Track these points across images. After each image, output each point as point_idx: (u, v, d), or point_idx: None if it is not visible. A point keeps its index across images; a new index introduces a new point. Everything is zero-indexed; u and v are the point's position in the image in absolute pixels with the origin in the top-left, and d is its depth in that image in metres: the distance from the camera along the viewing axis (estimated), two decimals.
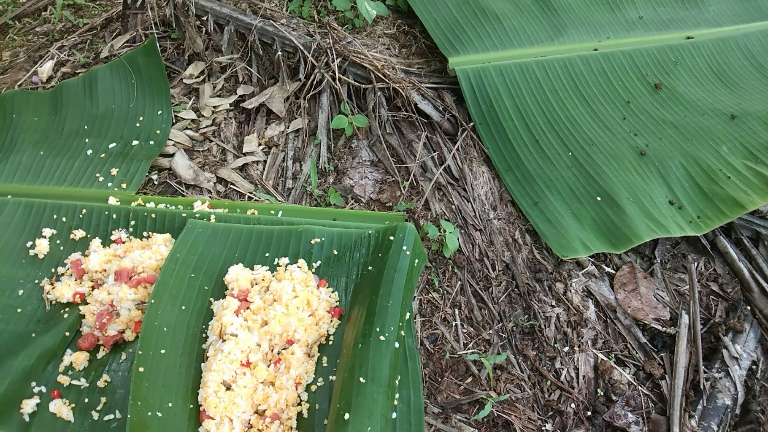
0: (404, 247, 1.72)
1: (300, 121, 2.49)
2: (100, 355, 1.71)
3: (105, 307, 1.77)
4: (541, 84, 2.49)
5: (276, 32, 2.48)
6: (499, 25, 2.62)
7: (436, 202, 2.23)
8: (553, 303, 2.06)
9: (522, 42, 2.60)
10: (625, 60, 2.63)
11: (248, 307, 1.67)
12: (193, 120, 2.53)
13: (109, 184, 2.21)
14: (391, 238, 1.76)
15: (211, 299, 1.73)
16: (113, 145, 2.35)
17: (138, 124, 2.43)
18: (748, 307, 2.09)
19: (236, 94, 2.59)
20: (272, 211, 2.10)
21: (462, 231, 2.17)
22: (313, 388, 1.57)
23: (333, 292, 1.76)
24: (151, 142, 2.36)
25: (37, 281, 1.91)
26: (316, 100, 2.51)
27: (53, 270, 1.93)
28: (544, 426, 1.83)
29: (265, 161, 2.40)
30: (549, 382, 1.91)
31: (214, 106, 2.57)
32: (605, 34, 2.71)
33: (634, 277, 2.14)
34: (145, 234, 2.00)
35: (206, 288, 1.76)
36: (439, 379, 1.88)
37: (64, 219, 2.06)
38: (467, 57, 2.50)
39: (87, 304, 1.81)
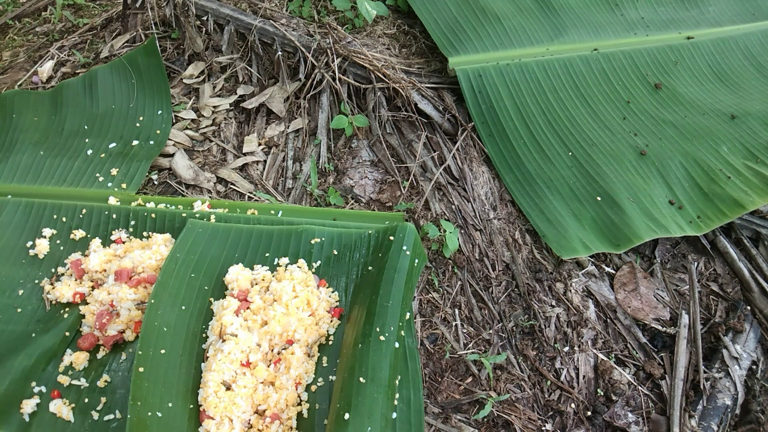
0: (404, 247, 1.72)
1: (300, 121, 2.49)
2: (100, 355, 1.71)
3: (105, 307, 1.77)
4: (541, 84, 2.49)
5: (276, 32, 2.48)
6: (499, 25, 2.62)
7: (436, 202, 2.23)
8: (553, 303, 2.06)
9: (522, 42, 2.60)
10: (625, 60, 2.63)
11: (248, 307, 1.67)
12: (193, 120, 2.53)
13: (109, 184, 2.21)
14: (391, 238, 1.76)
15: (211, 299, 1.73)
16: (113, 145, 2.35)
17: (138, 124, 2.43)
18: (748, 307, 2.09)
19: (236, 94, 2.59)
20: (272, 211, 2.10)
21: (462, 231, 2.17)
22: (313, 388, 1.57)
23: (333, 292, 1.76)
24: (151, 142, 2.36)
25: (37, 281, 1.91)
26: (316, 100, 2.51)
27: (53, 270, 1.93)
28: (544, 426, 1.83)
29: (265, 161, 2.40)
30: (549, 382, 1.91)
31: (214, 106, 2.57)
32: (605, 34, 2.71)
33: (634, 277, 2.14)
34: (145, 234, 2.00)
35: (206, 288, 1.76)
36: (439, 379, 1.88)
37: (64, 219, 2.06)
38: (467, 57, 2.50)
39: (87, 304, 1.81)
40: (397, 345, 1.51)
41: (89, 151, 2.33)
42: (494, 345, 1.96)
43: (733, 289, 2.16)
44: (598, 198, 2.19)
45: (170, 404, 1.48)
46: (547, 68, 2.53)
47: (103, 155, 2.32)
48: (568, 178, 2.26)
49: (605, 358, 1.97)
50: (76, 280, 1.88)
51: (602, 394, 1.91)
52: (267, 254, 1.86)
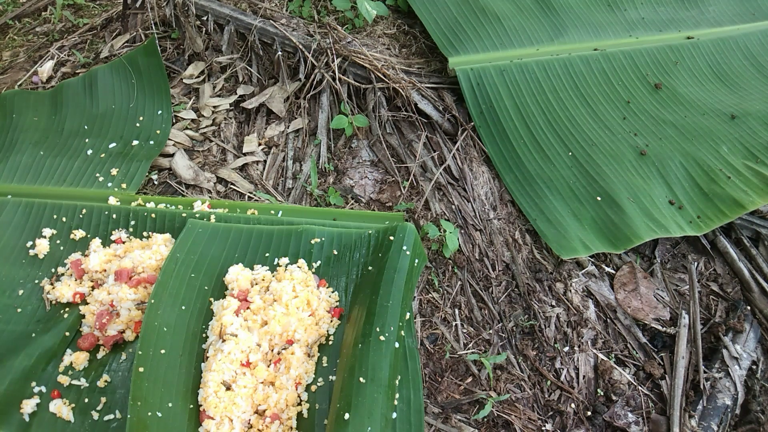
0: (404, 247, 1.72)
1: (300, 121, 2.49)
2: (100, 355, 1.71)
3: (105, 307, 1.77)
4: (541, 84, 2.49)
5: (276, 32, 2.48)
6: (499, 25, 2.62)
7: (436, 202, 2.23)
8: (553, 303, 2.06)
9: (522, 42, 2.60)
10: (625, 60, 2.63)
11: (248, 307, 1.67)
12: (193, 120, 2.53)
13: (109, 184, 2.21)
14: (391, 238, 1.76)
15: (211, 299, 1.73)
16: (113, 145, 2.35)
17: (138, 124, 2.43)
18: (748, 307, 2.09)
19: (236, 94, 2.59)
20: (272, 211, 2.10)
21: (462, 231, 2.17)
22: (313, 388, 1.57)
23: (333, 292, 1.76)
24: (151, 142, 2.36)
25: (37, 281, 1.91)
26: (316, 100, 2.51)
27: (53, 270, 1.93)
28: (544, 426, 1.83)
29: (265, 161, 2.40)
30: (549, 382, 1.91)
31: (214, 106, 2.57)
32: (605, 34, 2.71)
33: (634, 277, 2.14)
34: (145, 234, 2.00)
35: (206, 288, 1.76)
36: (439, 379, 1.88)
37: (64, 219, 2.06)
38: (467, 57, 2.50)
39: (87, 304, 1.81)
40: (397, 345, 1.51)
41: (89, 151, 2.33)
42: (494, 345, 1.96)
43: (733, 289, 2.16)
44: (598, 198, 2.19)
45: (170, 404, 1.49)
46: (547, 68, 2.53)
47: (103, 155, 2.32)
48: (568, 178, 2.26)
49: (605, 358, 1.97)
50: (76, 280, 1.88)
51: (602, 394, 1.91)
52: (267, 254, 1.86)
